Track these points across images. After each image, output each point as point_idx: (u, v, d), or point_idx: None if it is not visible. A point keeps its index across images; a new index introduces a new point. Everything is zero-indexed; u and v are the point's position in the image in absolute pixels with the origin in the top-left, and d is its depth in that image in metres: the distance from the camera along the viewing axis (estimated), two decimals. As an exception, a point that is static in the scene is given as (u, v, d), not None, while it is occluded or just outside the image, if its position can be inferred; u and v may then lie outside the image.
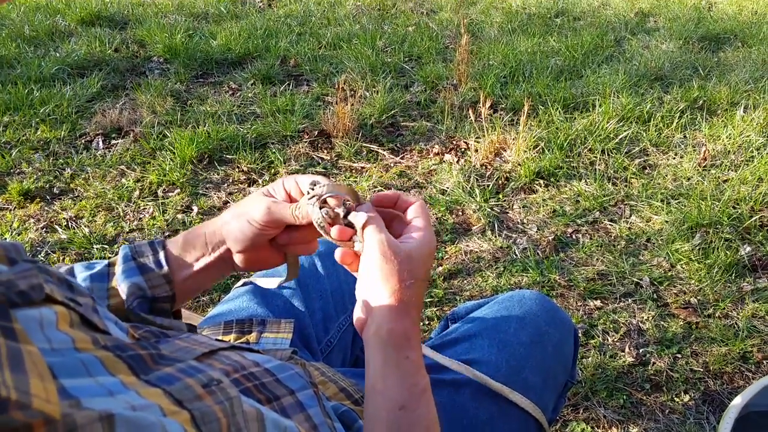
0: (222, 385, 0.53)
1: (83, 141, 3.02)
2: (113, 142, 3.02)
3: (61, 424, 0.36)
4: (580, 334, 1.99)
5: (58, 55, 3.79)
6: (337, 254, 0.76)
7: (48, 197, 2.63)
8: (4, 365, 0.36)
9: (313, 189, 0.76)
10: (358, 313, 0.73)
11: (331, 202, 0.75)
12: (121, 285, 0.79)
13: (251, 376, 0.67)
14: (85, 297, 0.55)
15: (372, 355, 0.71)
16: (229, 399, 0.52)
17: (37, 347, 0.40)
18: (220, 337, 0.99)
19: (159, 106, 3.27)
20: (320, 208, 0.74)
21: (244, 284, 1.14)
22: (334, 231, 0.75)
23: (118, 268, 0.80)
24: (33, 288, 0.47)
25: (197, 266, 0.83)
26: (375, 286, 0.70)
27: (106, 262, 0.82)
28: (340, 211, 0.74)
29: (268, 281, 1.04)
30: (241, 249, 0.81)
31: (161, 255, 0.81)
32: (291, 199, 0.81)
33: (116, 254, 0.83)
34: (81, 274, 0.81)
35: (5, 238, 2.36)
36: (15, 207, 2.56)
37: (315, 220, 0.75)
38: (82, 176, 2.76)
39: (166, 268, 0.81)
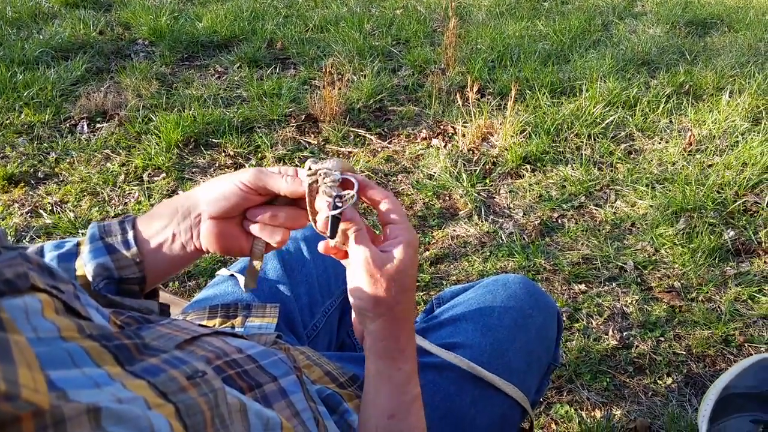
0: (206, 377, 0.53)
1: (68, 125, 3.00)
2: (98, 125, 3.00)
3: (49, 416, 0.36)
4: (564, 318, 2.01)
5: (41, 37, 3.74)
6: (321, 246, 0.77)
7: (32, 182, 2.61)
8: None
9: (315, 164, 0.74)
10: (356, 324, 0.76)
11: (327, 187, 0.73)
12: (87, 265, 0.76)
13: (233, 363, 0.68)
14: (66, 284, 0.55)
15: (368, 366, 0.75)
16: (213, 391, 0.52)
17: (24, 336, 0.40)
18: (205, 322, 0.99)
19: (144, 90, 3.24)
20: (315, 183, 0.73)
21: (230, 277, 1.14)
22: (321, 245, 0.76)
23: (85, 248, 0.76)
24: (19, 276, 0.47)
25: (162, 236, 0.78)
26: (366, 305, 0.72)
27: (75, 240, 0.79)
28: (331, 197, 0.72)
29: (240, 278, 1.04)
30: (214, 213, 0.76)
31: (130, 234, 0.77)
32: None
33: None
34: (50, 254, 0.77)
35: (-11, 223, 2.34)
36: (-1, 191, 2.54)
37: (321, 196, 0.73)
38: (67, 160, 2.74)
39: (135, 248, 0.77)
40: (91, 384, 0.44)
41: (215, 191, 0.76)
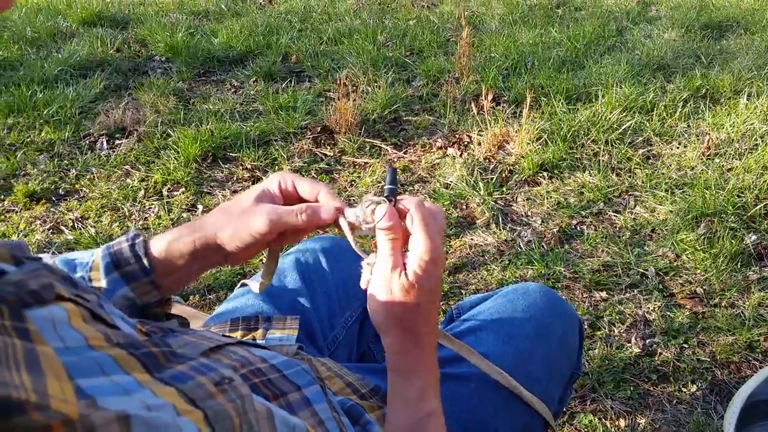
0: (234, 383, 0.53)
1: (87, 141, 3.03)
2: (117, 142, 3.03)
3: (79, 425, 0.37)
4: (586, 326, 1.99)
5: (60, 56, 3.80)
6: (363, 282, 0.77)
7: (54, 198, 2.64)
8: (21, 367, 0.36)
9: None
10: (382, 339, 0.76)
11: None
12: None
13: (258, 371, 0.68)
14: (89, 293, 0.56)
15: (388, 381, 0.75)
16: (241, 397, 0.52)
17: (51, 347, 0.40)
18: (226, 334, 1.00)
19: (162, 106, 3.28)
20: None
21: (242, 286, 1.14)
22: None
23: (102, 281, 0.76)
24: (44, 287, 0.47)
25: (186, 269, 0.79)
26: (377, 317, 0.72)
27: (87, 263, 0.78)
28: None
29: (254, 284, 1.05)
30: (236, 252, 0.78)
31: (145, 261, 0.77)
32: (287, 200, 0.80)
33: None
34: None
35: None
36: (21, 209, 2.57)
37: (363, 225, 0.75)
38: (87, 177, 2.77)
39: (152, 275, 0.77)
40: (120, 391, 0.44)
41: (234, 240, 0.77)
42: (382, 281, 0.71)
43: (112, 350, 0.49)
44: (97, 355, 0.47)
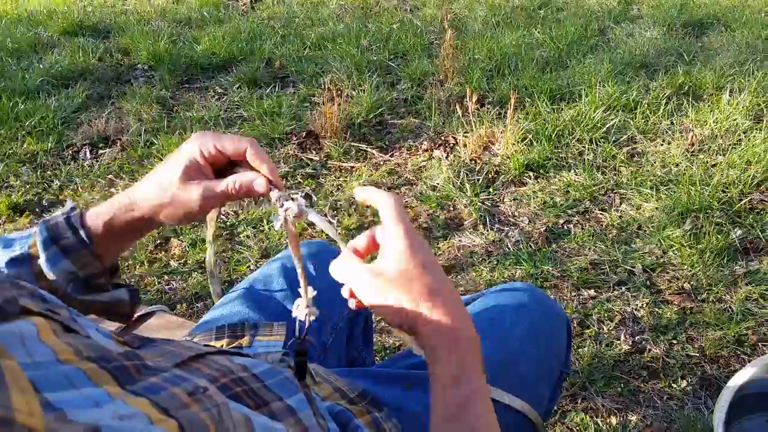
0: (208, 392, 0.52)
1: (70, 152, 3.01)
2: (101, 151, 3.01)
3: None
4: (574, 325, 1.99)
5: (41, 66, 3.77)
6: (345, 292, 0.75)
7: (37, 210, 2.61)
8: None
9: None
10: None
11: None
12: (49, 273, 0.75)
13: (239, 380, 0.67)
14: (61, 308, 0.55)
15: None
16: (216, 406, 0.51)
17: (16, 361, 0.40)
18: (212, 343, 0.99)
19: (145, 114, 3.26)
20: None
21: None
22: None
23: (41, 255, 0.75)
24: (8, 301, 0.47)
25: (124, 240, 0.81)
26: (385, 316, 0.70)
27: (26, 240, 0.77)
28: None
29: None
30: (173, 223, 0.80)
31: (82, 233, 0.76)
32: (213, 164, 0.79)
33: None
34: (1, 255, 0.76)
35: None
36: (5, 221, 2.54)
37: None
38: (71, 187, 2.75)
39: (91, 245, 0.76)
40: (90, 403, 0.44)
41: (169, 218, 0.77)
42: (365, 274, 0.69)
43: (82, 363, 0.48)
44: (67, 368, 0.46)
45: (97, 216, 0.78)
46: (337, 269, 0.72)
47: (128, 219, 0.78)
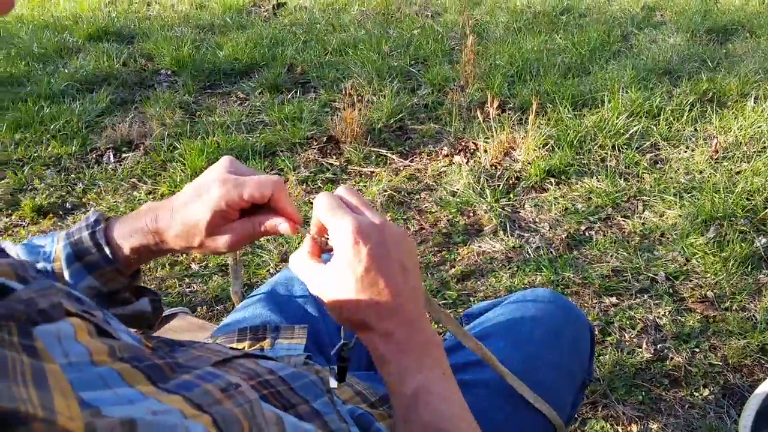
0: (241, 388, 0.53)
1: (94, 155, 3.05)
2: (124, 155, 3.04)
3: None
4: (596, 332, 1.98)
5: (66, 71, 3.83)
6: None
7: (61, 212, 2.65)
8: (28, 382, 0.36)
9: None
10: None
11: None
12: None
13: (267, 383, 0.67)
14: (95, 309, 0.56)
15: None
16: (249, 402, 0.52)
17: (58, 364, 0.40)
18: (234, 345, 0.99)
19: (168, 118, 3.29)
20: None
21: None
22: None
23: (65, 272, 0.75)
24: (54, 307, 0.47)
25: (144, 260, 0.80)
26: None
27: (50, 252, 0.77)
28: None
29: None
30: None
31: (107, 250, 0.76)
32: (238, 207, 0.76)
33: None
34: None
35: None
36: (29, 223, 2.58)
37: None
38: (94, 190, 2.78)
39: (115, 264, 0.77)
40: (124, 401, 0.44)
41: (198, 253, 0.78)
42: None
43: (116, 364, 0.49)
44: (101, 370, 0.47)
45: (123, 237, 0.77)
46: (291, 262, 0.73)
47: (156, 250, 0.78)
